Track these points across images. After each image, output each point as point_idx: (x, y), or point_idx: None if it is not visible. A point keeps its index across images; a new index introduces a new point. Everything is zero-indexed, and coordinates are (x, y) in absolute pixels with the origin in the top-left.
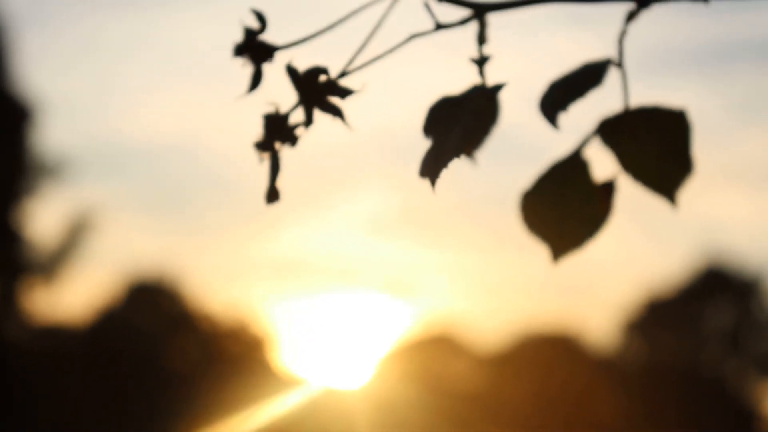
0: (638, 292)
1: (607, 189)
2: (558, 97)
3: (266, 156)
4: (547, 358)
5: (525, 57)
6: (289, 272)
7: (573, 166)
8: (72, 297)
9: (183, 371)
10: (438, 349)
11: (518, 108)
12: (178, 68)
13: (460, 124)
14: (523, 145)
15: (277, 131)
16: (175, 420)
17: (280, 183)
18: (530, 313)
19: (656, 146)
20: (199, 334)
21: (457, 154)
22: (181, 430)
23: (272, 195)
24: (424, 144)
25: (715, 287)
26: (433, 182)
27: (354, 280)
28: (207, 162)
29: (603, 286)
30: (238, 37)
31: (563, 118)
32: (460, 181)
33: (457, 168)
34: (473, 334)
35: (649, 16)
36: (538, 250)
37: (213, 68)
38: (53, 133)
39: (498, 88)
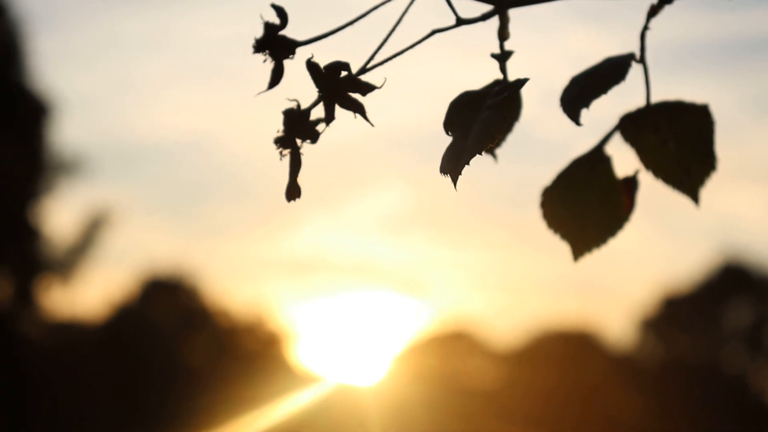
0: (656, 290)
1: (629, 185)
2: (580, 94)
3: (286, 152)
4: (564, 355)
5: (543, 53)
6: (305, 270)
7: (594, 162)
8: (88, 294)
9: (199, 367)
10: (454, 346)
11: (537, 104)
12: (194, 66)
13: (481, 121)
14: (542, 142)
15: (297, 127)
16: (190, 416)
17: (301, 180)
18: (547, 310)
19: (678, 143)
20: (216, 330)
21: (479, 151)
22: (197, 425)
23: (293, 192)
24: (442, 141)
25: (733, 285)
26: (454, 179)
27: (370, 277)
28: (224, 160)
29: (620, 284)
30: (258, 33)
31: (585, 114)
32: (478, 178)
33: (475, 164)
34: (489, 331)
35: (668, 11)
36: (556, 247)
37: (229, 66)
38: (70, 130)
39: (520, 83)
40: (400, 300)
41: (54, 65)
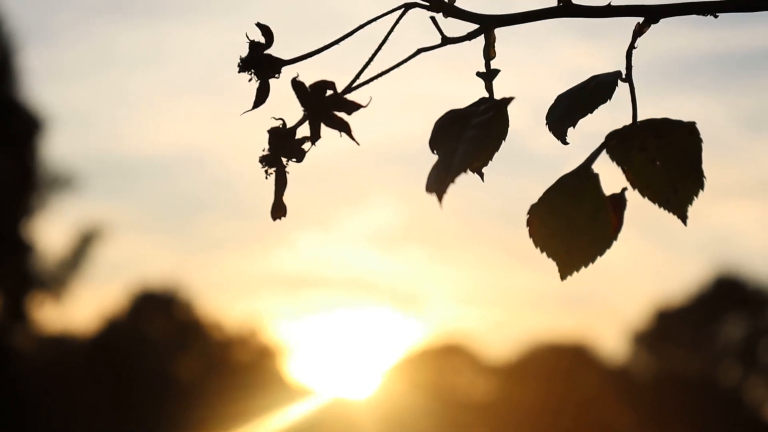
0: (649, 304)
1: (617, 203)
2: (566, 113)
3: (272, 171)
4: (557, 369)
5: (533, 68)
6: (298, 284)
7: (581, 180)
8: (80, 308)
9: (192, 381)
10: (447, 359)
11: (528, 119)
12: (188, 81)
13: (467, 139)
14: (534, 157)
15: (282, 146)
16: (183, 429)
17: (286, 198)
18: (540, 324)
19: (665, 161)
20: (209, 344)
21: (464, 170)
22: None
23: (278, 210)
24: (431, 158)
25: (727, 298)
26: (440, 198)
27: (362, 292)
28: (218, 175)
29: (614, 298)
30: (244, 51)
31: (572, 131)
32: (470, 193)
33: (467, 180)
34: (482, 344)
35: (657, 28)
36: (548, 261)
37: (224, 81)
38: (63, 145)
39: (506, 101)
40: (393, 314)
41: (47, 80)
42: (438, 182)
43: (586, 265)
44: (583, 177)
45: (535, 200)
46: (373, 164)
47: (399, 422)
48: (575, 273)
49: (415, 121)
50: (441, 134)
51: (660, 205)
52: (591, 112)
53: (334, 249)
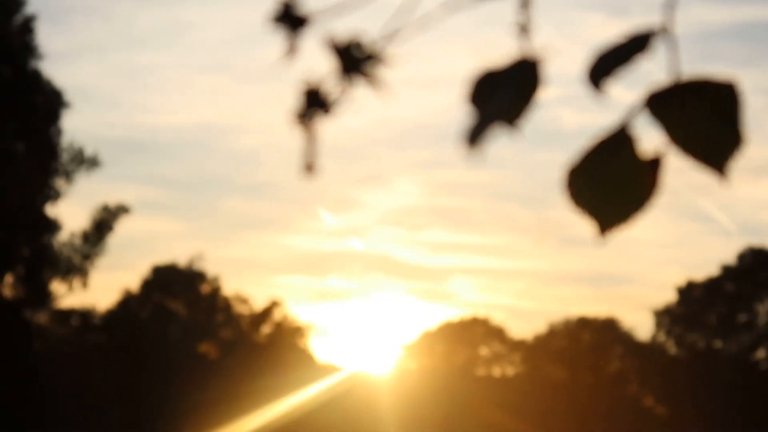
0: (679, 281)
1: (655, 163)
2: (606, 65)
3: (303, 128)
4: (585, 344)
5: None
6: (322, 264)
7: (620, 139)
8: (100, 285)
9: (217, 358)
10: (471, 334)
11: (553, 97)
12: (207, 60)
13: (502, 92)
14: (558, 136)
15: (314, 103)
16: (207, 405)
17: (317, 156)
18: (568, 300)
19: (706, 118)
20: (233, 322)
21: (499, 122)
22: (215, 415)
23: (309, 168)
24: (456, 140)
25: (757, 276)
26: (474, 151)
27: (386, 269)
28: (238, 154)
29: (643, 275)
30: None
31: (606, 92)
32: (496, 170)
33: (491, 160)
34: (509, 319)
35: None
36: (577, 238)
37: (242, 61)
38: (82, 125)
39: (541, 57)
40: (418, 291)
41: (66, 60)
42: (473, 135)
43: (625, 222)
44: (621, 136)
45: (570, 161)
46: (397, 145)
47: (420, 396)
48: (614, 231)
49: (439, 104)
50: (477, 88)
51: (699, 163)
52: (631, 65)
53: (357, 228)
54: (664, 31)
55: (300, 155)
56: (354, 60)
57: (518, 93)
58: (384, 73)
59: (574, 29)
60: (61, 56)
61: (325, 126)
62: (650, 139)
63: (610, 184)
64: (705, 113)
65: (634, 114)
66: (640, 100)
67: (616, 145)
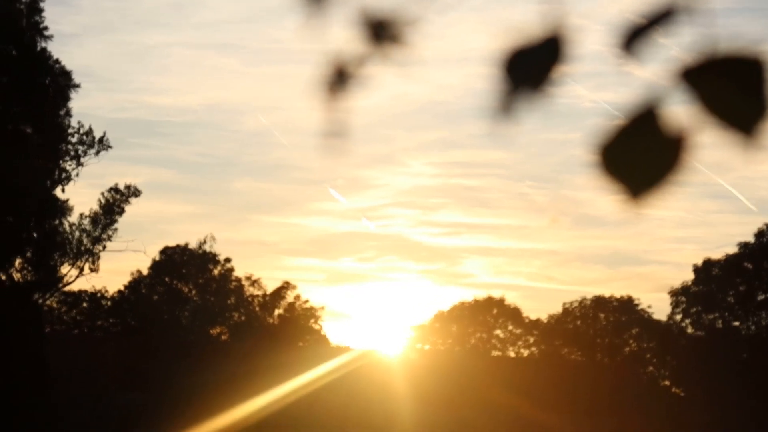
0: (698, 257)
1: (682, 138)
2: (642, 31)
3: (330, 105)
4: (602, 324)
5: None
6: (334, 244)
7: (649, 115)
8: (112, 266)
9: (230, 340)
10: (486, 314)
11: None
12: (216, 39)
13: (534, 58)
14: (571, 116)
15: (342, 79)
16: (220, 383)
17: (345, 133)
18: (584, 278)
19: (737, 90)
20: (246, 304)
21: (532, 87)
22: (229, 393)
23: (335, 139)
24: (470, 122)
25: None
26: (507, 117)
27: (400, 250)
28: (248, 133)
29: (661, 252)
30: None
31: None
32: (510, 149)
33: (504, 143)
34: (524, 299)
35: None
36: (593, 219)
37: (251, 39)
38: (92, 106)
39: (567, 33)
40: (431, 270)
41: (74, 41)
42: (505, 101)
43: (655, 191)
44: (650, 110)
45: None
46: (410, 125)
47: (434, 376)
48: (647, 195)
49: (453, 82)
50: (510, 55)
51: (730, 129)
52: (665, 27)
53: (370, 210)
54: (695, 5)
55: (325, 132)
56: (387, 35)
57: (547, 66)
58: (411, 49)
59: (586, 4)
60: (70, 37)
61: (352, 103)
62: (677, 114)
63: (640, 159)
64: (736, 85)
65: (663, 89)
66: (672, 73)
67: (646, 121)
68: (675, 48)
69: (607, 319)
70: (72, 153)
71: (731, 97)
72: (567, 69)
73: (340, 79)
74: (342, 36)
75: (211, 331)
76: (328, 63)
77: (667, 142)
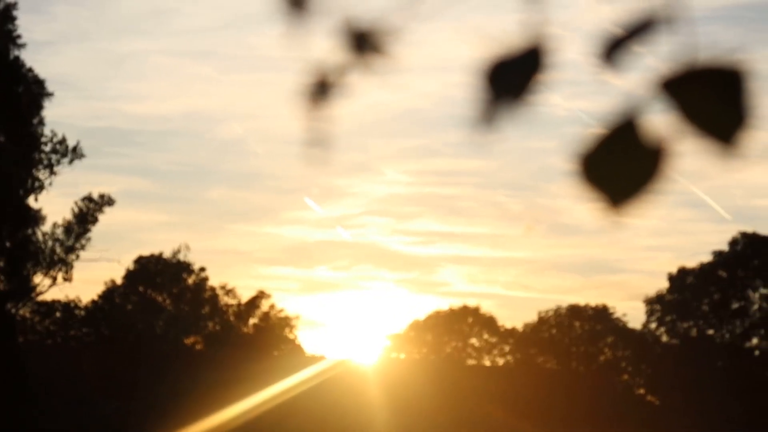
0: (673, 266)
1: (662, 148)
2: (622, 41)
3: (312, 113)
4: (577, 332)
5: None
6: (311, 253)
7: (629, 126)
8: (86, 275)
9: (205, 349)
10: (460, 323)
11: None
12: (192, 47)
13: (514, 68)
14: (546, 124)
15: (323, 88)
16: (193, 394)
17: (327, 141)
18: (559, 287)
19: (717, 100)
20: (221, 314)
21: (514, 96)
22: (202, 404)
23: (318, 147)
24: (446, 130)
25: (752, 259)
26: (490, 125)
27: (375, 258)
28: (223, 141)
29: (636, 261)
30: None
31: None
32: (484, 158)
33: (479, 151)
34: (499, 308)
35: None
36: (568, 227)
37: (227, 47)
38: (65, 115)
39: (548, 42)
40: (406, 279)
41: (48, 49)
42: (487, 110)
43: (635, 201)
44: (630, 121)
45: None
46: (385, 133)
47: (409, 385)
48: (628, 203)
49: (428, 90)
50: (493, 65)
51: (710, 139)
52: (647, 38)
53: (345, 218)
54: (674, 15)
55: (308, 141)
56: (369, 44)
57: (528, 76)
58: (393, 59)
59: (564, 13)
60: (43, 45)
61: (334, 111)
62: (657, 124)
63: (620, 168)
64: (716, 95)
65: (642, 99)
66: (652, 83)
67: (626, 130)
68: (654, 58)
69: (582, 328)
70: (45, 162)
71: (711, 107)
72: (547, 78)
73: (321, 88)
74: (324, 45)
75: (186, 341)
76: (310, 72)
77: (646, 151)
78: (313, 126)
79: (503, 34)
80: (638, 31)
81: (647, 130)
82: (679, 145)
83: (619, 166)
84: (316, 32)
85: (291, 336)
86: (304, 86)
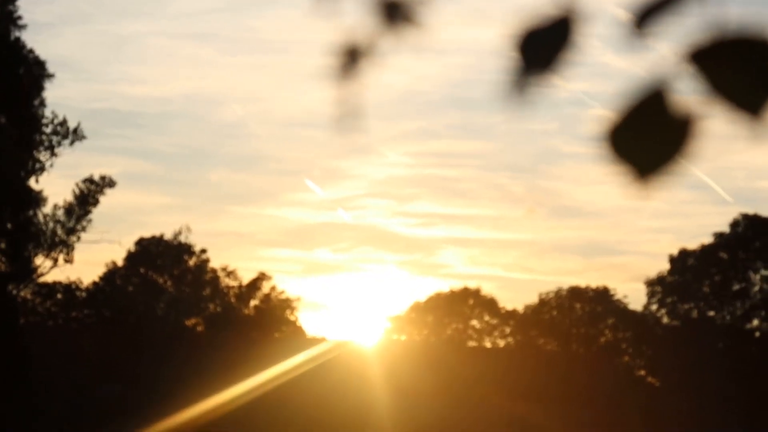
0: (674, 247)
1: (692, 116)
2: (651, 10)
3: (343, 82)
4: (578, 314)
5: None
6: (310, 235)
7: (657, 95)
8: (87, 257)
9: (206, 331)
10: (462, 305)
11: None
12: (192, 29)
13: (546, 41)
14: (548, 98)
15: (354, 58)
16: (195, 375)
17: (358, 112)
18: (560, 269)
19: (746, 68)
20: (222, 295)
21: (542, 72)
22: (204, 385)
23: (349, 120)
24: (446, 114)
25: (753, 241)
26: (521, 99)
27: (376, 240)
28: (224, 123)
29: (637, 242)
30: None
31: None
32: (486, 139)
33: (480, 133)
34: (500, 290)
35: None
36: (569, 210)
37: (227, 29)
38: (66, 97)
39: (577, 13)
40: (407, 261)
41: (48, 31)
42: (518, 84)
43: (663, 174)
44: (659, 90)
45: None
46: (386, 115)
47: (410, 366)
48: (656, 175)
49: (430, 76)
50: (523, 37)
51: (736, 108)
52: (678, 10)
53: (346, 200)
54: None
55: (339, 112)
56: (401, 14)
57: (559, 46)
58: (424, 27)
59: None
60: (44, 26)
61: (366, 82)
62: (685, 96)
63: (648, 141)
64: (744, 67)
65: (671, 71)
66: (680, 55)
67: (654, 102)
68: (684, 30)
69: (583, 310)
70: (46, 143)
71: (739, 79)
72: (575, 52)
73: (352, 59)
74: (354, 16)
75: (187, 323)
76: (341, 44)
77: (674, 123)
78: (344, 98)
79: (533, 8)
80: (669, 2)
81: (675, 103)
82: (707, 117)
83: (647, 138)
84: (346, 3)
85: (292, 318)
86: (335, 58)
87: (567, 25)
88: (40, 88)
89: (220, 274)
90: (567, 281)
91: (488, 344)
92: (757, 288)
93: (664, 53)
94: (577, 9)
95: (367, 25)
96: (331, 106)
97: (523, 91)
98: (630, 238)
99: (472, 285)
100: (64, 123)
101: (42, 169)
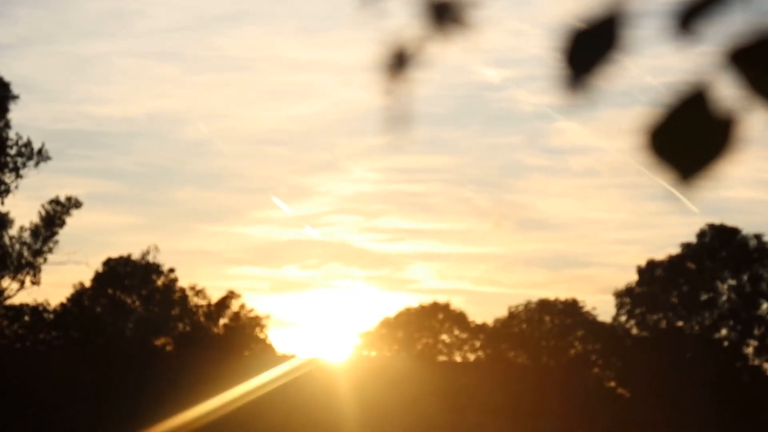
0: (641, 258)
1: (733, 117)
2: (696, 10)
3: (392, 86)
4: (547, 326)
5: (516, 28)
6: (280, 253)
7: (698, 97)
8: (54, 279)
9: (175, 351)
10: (431, 320)
11: (508, 79)
12: (155, 48)
13: (594, 47)
14: (511, 118)
15: (402, 61)
16: (165, 395)
17: (408, 114)
18: (528, 282)
19: None
20: (191, 314)
21: (591, 74)
22: (174, 404)
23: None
24: (417, 127)
25: (720, 251)
26: (577, 99)
27: (344, 257)
28: (189, 142)
29: (604, 254)
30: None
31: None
32: (451, 154)
33: (448, 147)
34: (469, 304)
35: None
36: (538, 222)
37: (189, 51)
38: (31, 118)
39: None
40: (375, 277)
41: (11, 52)
42: (570, 86)
43: (706, 171)
44: (699, 92)
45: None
46: (351, 131)
47: (380, 382)
48: (697, 177)
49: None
50: (571, 41)
51: None
52: (719, 11)
53: (313, 217)
54: None
55: (386, 114)
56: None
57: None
58: (470, 28)
59: (527, 8)
60: (7, 48)
61: (415, 84)
62: (725, 96)
63: (690, 142)
64: None
65: (711, 71)
66: (720, 56)
67: (695, 103)
68: (724, 30)
69: (553, 322)
70: (11, 165)
71: None
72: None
73: (400, 60)
74: (401, 18)
75: (156, 342)
76: (388, 45)
77: (716, 124)
78: (392, 99)
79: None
80: (710, 2)
81: (716, 103)
82: (747, 118)
83: (689, 139)
84: (393, 4)
85: (261, 336)
86: (382, 59)
87: (612, 27)
88: (5, 110)
89: (189, 293)
90: (535, 294)
91: (459, 358)
92: (724, 297)
93: (707, 54)
94: (623, 10)
95: (414, 26)
96: (381, 107)
97: (578, 90)
98: (597, 250)
99: (441, 299)
100: (28, 144)
101: (7, 190)
